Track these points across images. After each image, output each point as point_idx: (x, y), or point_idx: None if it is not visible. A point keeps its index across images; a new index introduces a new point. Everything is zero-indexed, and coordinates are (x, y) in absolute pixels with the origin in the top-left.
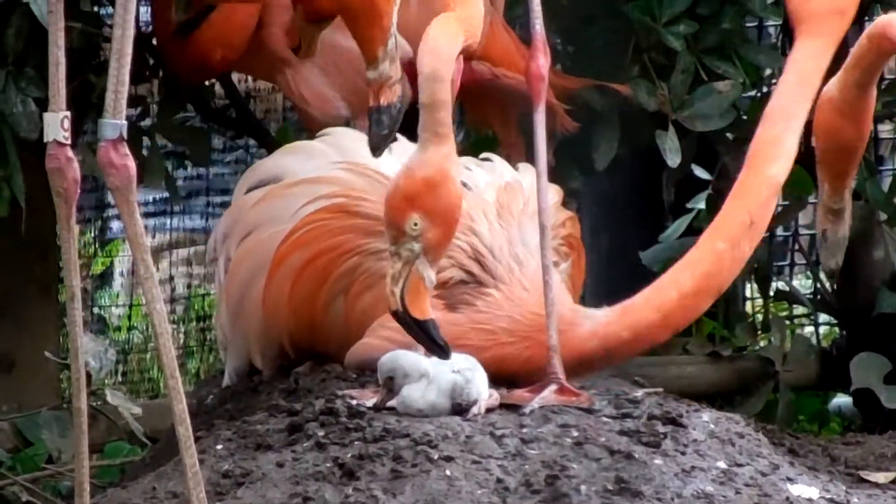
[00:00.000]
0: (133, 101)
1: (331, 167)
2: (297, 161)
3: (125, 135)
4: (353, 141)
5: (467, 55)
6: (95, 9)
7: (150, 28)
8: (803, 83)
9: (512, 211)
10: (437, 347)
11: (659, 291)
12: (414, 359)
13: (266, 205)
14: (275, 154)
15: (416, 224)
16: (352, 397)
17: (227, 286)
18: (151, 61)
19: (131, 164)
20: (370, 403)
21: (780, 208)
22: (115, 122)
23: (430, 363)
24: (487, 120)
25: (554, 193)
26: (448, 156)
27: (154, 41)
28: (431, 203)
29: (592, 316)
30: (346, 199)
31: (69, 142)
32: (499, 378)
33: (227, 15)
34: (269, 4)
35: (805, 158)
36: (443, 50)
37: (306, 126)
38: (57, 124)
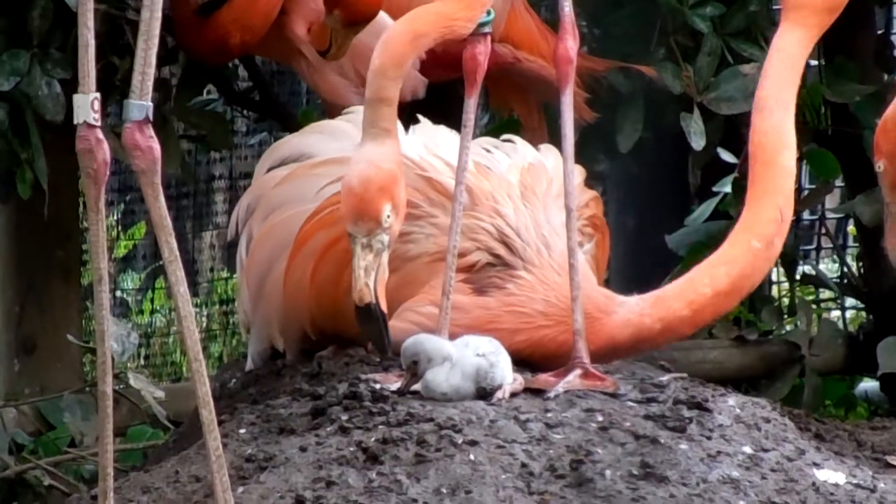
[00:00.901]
0: (157, 83)
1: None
2: (322, 140)
3: (151, 116)
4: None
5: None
6: None
7: (169, 8)
8: (791, 69)
9: (536, 192)
10: (387, 343)
11: (693, 286)
12: (438, 342)
13: (290, 184)
14: (299, 133)
15: (388, 215)
16: (375, 381)
17: (248, 266)
18: (171, 43)
19: (156, 146)
20: (394, 387)
21: (806, 192)
22: (141, 103)
23: (455, 347)
24: (510, 103)
25: (577, 174)
26: (398, 150)
27: (173, 22)
28: (398, 194)
29: (625, 304)
30: None
31: (99, 123)
32: (531, 361)
33: None
34: None
35: (831, 142)
36: (397, 47)
37: (327, 109)
38: (87, 106)
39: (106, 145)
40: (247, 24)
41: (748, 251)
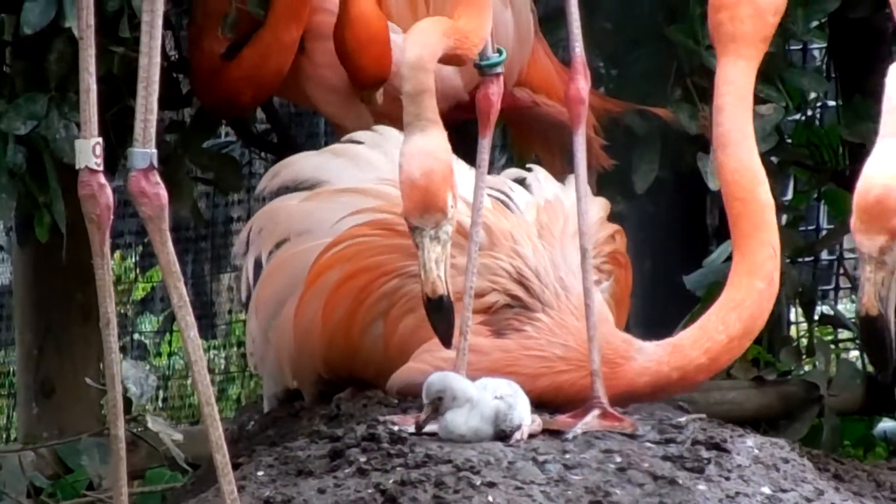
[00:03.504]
0: (172, 126)
1: (378, 181)
2: (341, 166)
3: (155, 163)
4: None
5: (508, 81)
6: (135, 34)
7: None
8: (742, 101)
9: (553, 231)
10: (450, 335)
11: (707, 334)
12: (464, 383)
13: (306, 210)
14: (317, 153)
15: (452, 205)
16: (394, 423)
17: (258, 299)
18: (185, 87)
19: (163, 192)
20: (412, 429)
21: (824, 232)
22: (144, 151)
23: (475, 388)
24: (533, 148)
25: (599, 208)
26: (447, 139)
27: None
28: (454, 182)
29: (643, 350)
30: (393, 216)
31: (101, 168)
32: (552, 405)
33: (262, 54)
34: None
35: (849, 182)
36: (428, 40)
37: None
38: (89, 151)
39: (108, 190)
40: (258, 80)
41: (754, 292)
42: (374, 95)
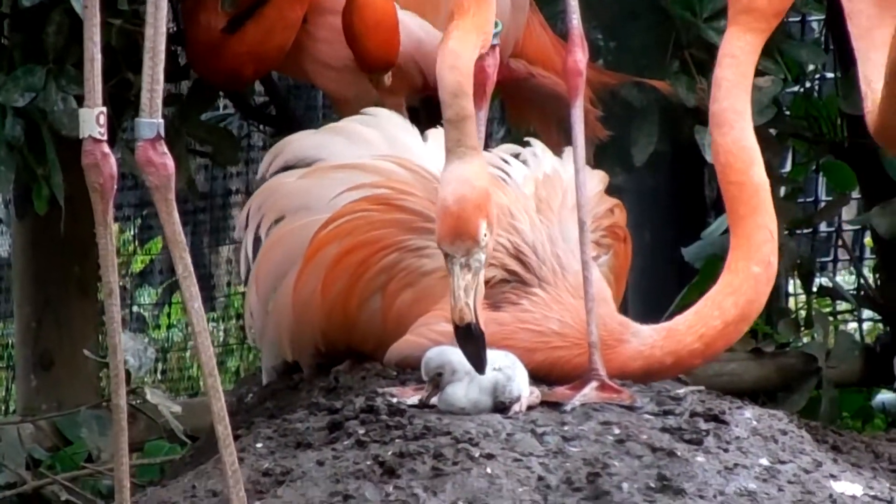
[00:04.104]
0: (169, 98)
1: (375, 157)
2: (340, 144)
3: (162, 133)
4: (399, 129)
5: (504, 53)
6: (134, 6)
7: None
8: (743, 77)
9: (551, 206)
10: (483, 361)
11: (703, 319)
12: (460, 356)
13: (304, 186)
14: (314, 132)
15: (485, 234)
16: (392, 395)
17: (257, 274)
18: (183, 59)
19: (170, 162)
20: (411, 401)
21: (823, 204)
22: (151, 121)
23: None
24: (529, 119)
25: (598, 182)
26: (486, 166)
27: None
28: (491, 211)
29: (638, 334)
30: (391, 192)
31: (105, 137)
32: (548, 380)
33: (265, 30)
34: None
35: (847, 154)
36: (464, 64)
37: (337, 109)
38: (92, 120)
39: (112, 159)
40: (261, 56)
41: (750, 277)
42: (382, 78)
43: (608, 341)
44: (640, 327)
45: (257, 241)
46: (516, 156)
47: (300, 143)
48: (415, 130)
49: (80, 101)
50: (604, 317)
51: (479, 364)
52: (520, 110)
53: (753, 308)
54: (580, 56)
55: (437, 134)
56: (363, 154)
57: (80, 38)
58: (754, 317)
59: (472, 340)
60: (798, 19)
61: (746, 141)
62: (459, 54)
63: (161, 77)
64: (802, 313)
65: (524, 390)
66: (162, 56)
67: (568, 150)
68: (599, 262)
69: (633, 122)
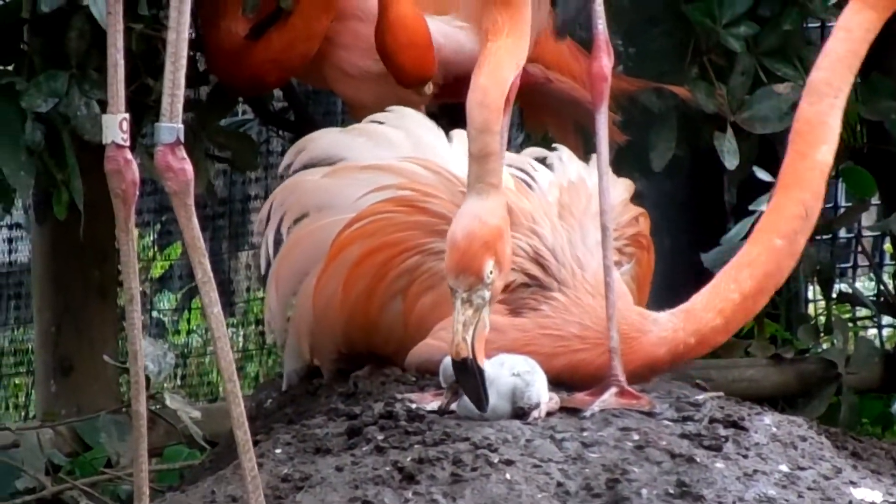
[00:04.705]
0: (188, 104)
1: (400, 159)
2: (363, 144)
3: (182, 138)
4: (424, 130)
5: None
6: (154, 11)
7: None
8: (851, 55)
9: (573, 211)
10: (485, 398)
11: (719, 294)
12: None
13: (328, 185)
14: (338, 131)
15: (490, 272)
16: (411, 401)
17: (277, 273)
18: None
19: (189, 167)
20: (430, 407)
21: (842, 210)
22: (171, 125)
23: (490, 366)
24: (546, 124)
25: (623, 189)
26: (504, 204)
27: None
28: (502, 250)
29: (658, 321)
30: (415, 194)
31: (128, 143)
32: (570, 384)
33: (290, 39)
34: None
35: (867, 160)
36: (493, 101)
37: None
38: (115, 126)
39: (135, 165)
40: (285, 64)
41: (770, 249)
42: (422, 89)
43: (630, 333)
44: (658, 315)
45: (278, 239)
46: (543, 160)
47: (323, 141)
48: (440, 131)
49: (103, 105)
50: (622, 310)
51: (478, 400)
52: (537, 115)
53: (772, 281)
54: (606, 61)
55: (461, 135)
56: (387, 155)
57: (101, 43)
58: (772, 291)
59: (469, 376)
60: (818, 25)
61: (829, 118)
62: (488, 91)
63: (182, 82)
64: (822, 319)
65: (543, 396)
66: (184, 61)
67: (594, 157)
68: (622, 270)
69: (652, 128)
